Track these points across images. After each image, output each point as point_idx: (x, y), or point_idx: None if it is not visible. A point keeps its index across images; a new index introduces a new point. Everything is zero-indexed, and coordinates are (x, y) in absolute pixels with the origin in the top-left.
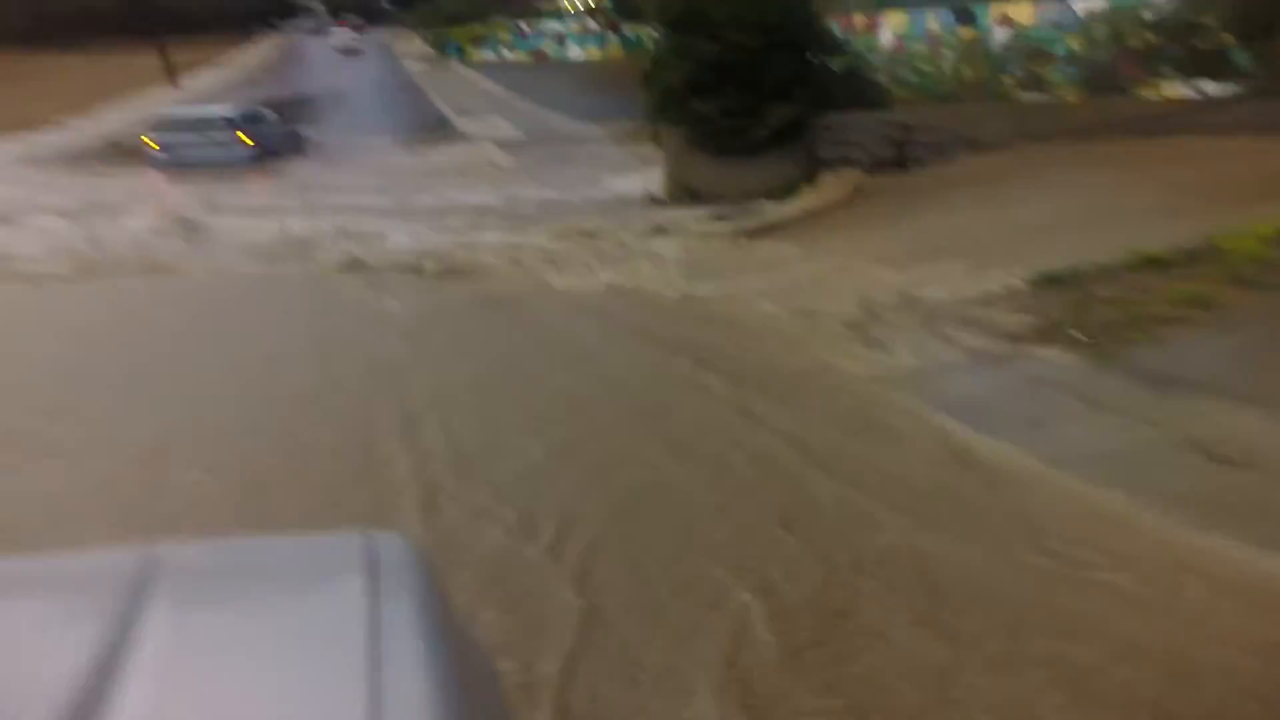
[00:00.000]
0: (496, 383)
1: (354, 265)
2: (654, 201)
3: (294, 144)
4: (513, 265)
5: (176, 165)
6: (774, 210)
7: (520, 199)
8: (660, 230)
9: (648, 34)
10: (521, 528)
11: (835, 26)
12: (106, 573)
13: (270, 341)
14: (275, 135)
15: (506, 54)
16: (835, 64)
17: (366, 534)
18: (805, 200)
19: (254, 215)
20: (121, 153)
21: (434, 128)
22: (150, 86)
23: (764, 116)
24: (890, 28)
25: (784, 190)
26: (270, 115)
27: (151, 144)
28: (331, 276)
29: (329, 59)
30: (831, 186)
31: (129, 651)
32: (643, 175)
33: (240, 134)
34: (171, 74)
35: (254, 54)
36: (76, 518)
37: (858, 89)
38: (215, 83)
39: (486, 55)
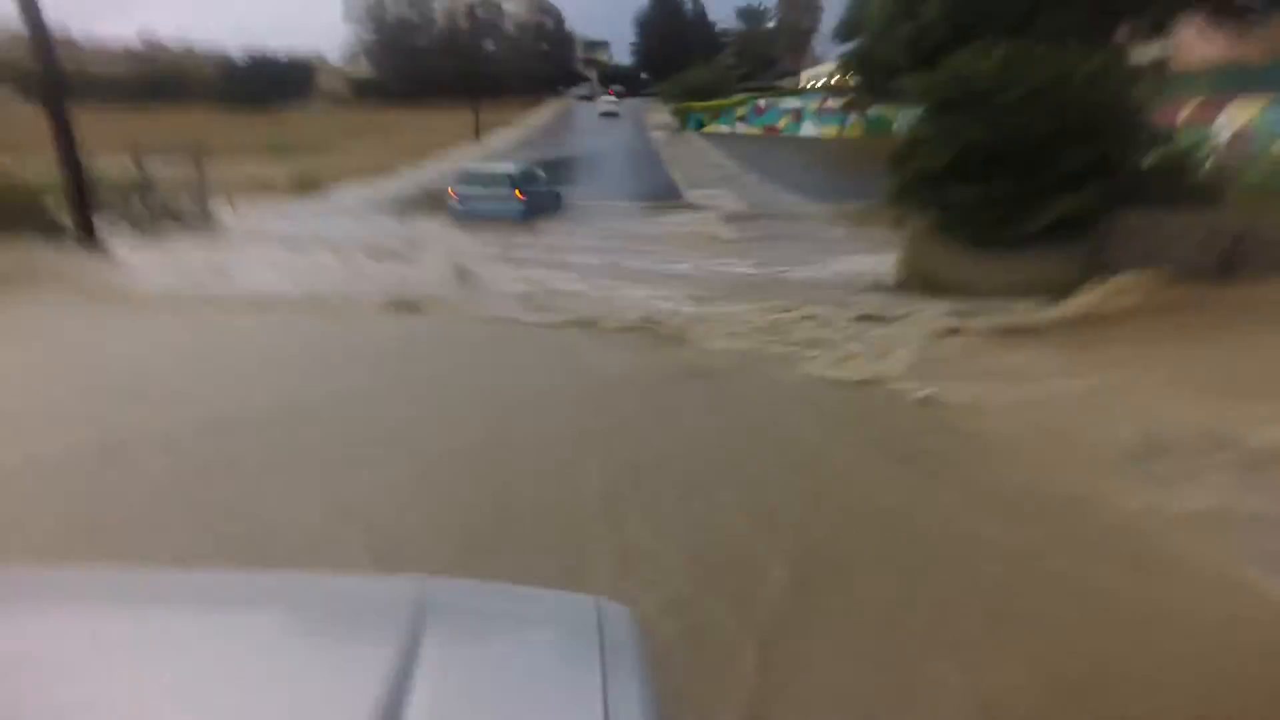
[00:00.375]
0: (706, 470)
1: (583, 323)
2: (882, 289)
3: (554, 203)
4: (726, 338)
5: (467, 215)
6: (1034, 312)
7: (738, 273)
8: (886, 319)
9: (894, 114)
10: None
11: (1152, 117)
12: (392, 600)
13: (504, 386)
14: (542, 194)
15: (741, 128)
16: (1148, 157)
17: (599, 600)
18: (1078, 304)
19: (514, 265)
20: (431, 200)
21: (666, 195)
22: (462, 141)
23: (1040, 208)
24: (1236, 116)
25: (1052, 291)
26: (541, 174)
27: (451, 194)
28: (561, 330)
29: (592, 124)
30: (1118, 292)
31: (412, 681)
32: (872, 260)
33: (517, 191)
34: (478, 132)
35: (538, 116)
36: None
37: (1175, 184)
38: (505, 142)
39: (722, 128)
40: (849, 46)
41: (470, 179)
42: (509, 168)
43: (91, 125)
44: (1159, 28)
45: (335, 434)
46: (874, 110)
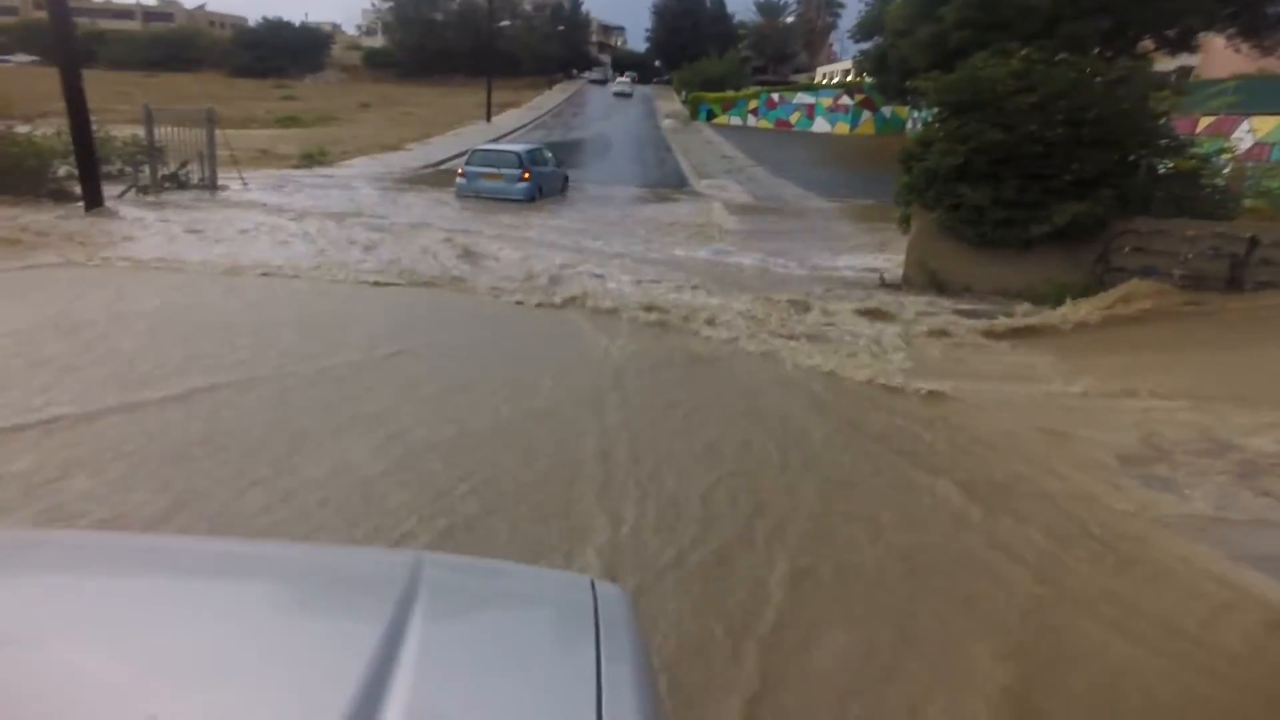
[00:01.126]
0: (706, 451)
1: (581, 304)
2: (886, 285)
3: (560, 184)
4: (725, 327)
5: (473, 193)
6: (1039, 314)
7: (741, 264)
8: (888, 315)
9: (907, 114)
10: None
11: (1172, 125)
12: (385, 573)
13: (511, 361)
14: (549, 175)
15: (752, 121)
16: (1163, 165)
17: (594, 580)
18: (1080, 308)
19: (516, 246)
20: (439, 176)
21: (673, 183)
22: (472, 120)
23: (1050, 211)
24: (1258, 127)
25: (1054, 294)
26: (549, 156)
27: (459, 173)
28: (562, 311)
29: (603, 109)
30: (1124, 297)
31: (399, 653)
32: (876, 257)
33: (525, 172)
34: (489, 111)
35: (549, 98)
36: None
37: (1189, 193)
38: (514, 121)
39: (733, 120)
40: (866, 45)
41: (479, 158)
42: (517, 148)
43: (104, 89)
44: (1184, 39)
45: (383, 381)
46: (887, 109)
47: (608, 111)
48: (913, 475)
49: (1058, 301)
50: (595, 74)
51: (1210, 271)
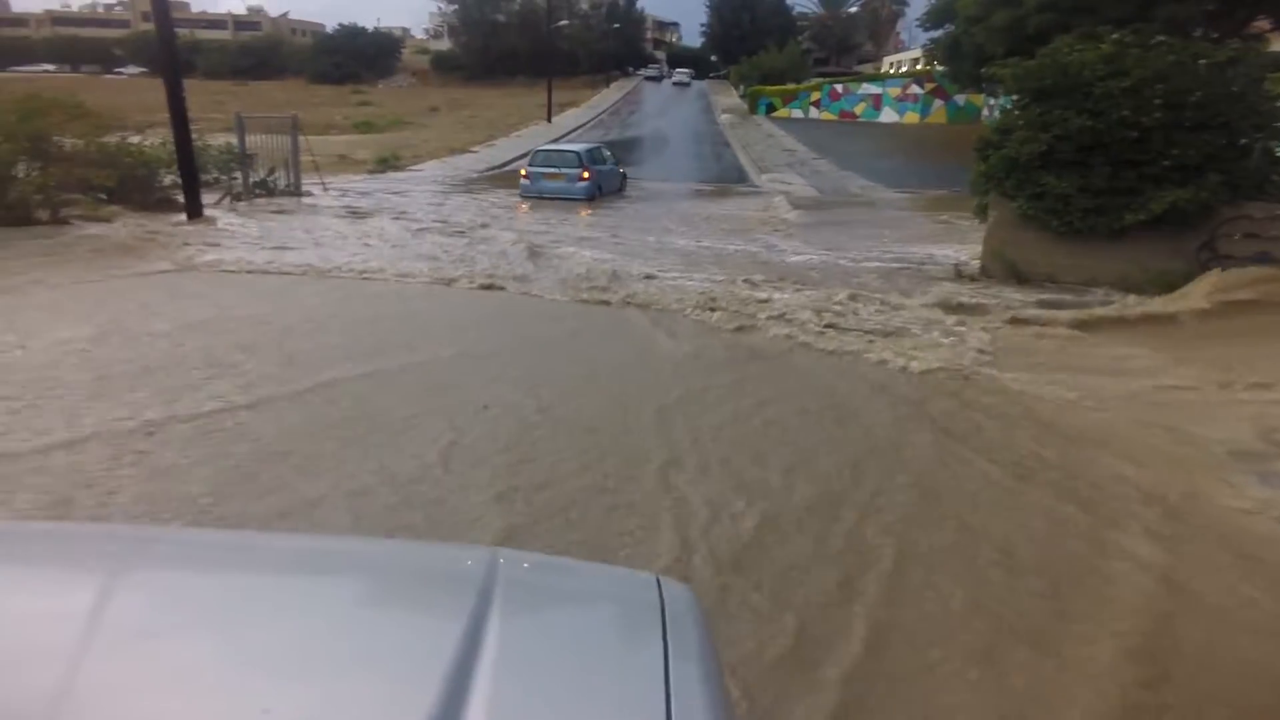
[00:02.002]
0: (752, 448)
1: (644, 305)
2: (962, 276)
3: (618, 182)
4: (785, 323)
5: (536, 194)
6: (1133, 305)
7: (804, 259)
8: (968, 307)
9: (982, 101)
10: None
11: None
12: (465, 569)
13: (577, 360)
14: (607, 173)
15: (815, 113)
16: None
17: (660, 578)
18: (1184, 298)
19: (578, 245)
20: (504, 178)
21: (732, 179)
22: (534, 121)
23: (1147, 198)
24: None
25: (1153, 284)
26: (607, 154)
27: (522, 173)
28: (621, 309)
29: (659, 106)
30: (1229, 287)
31: (480, 650)
32: (952, 248)
33: (585, 171)
34: (549, 112)
35: (606, 97)
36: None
37: None
38: (573, 120)
39: (794, 113)
40: (937, 33)
41: (541, 159)
42: (577, 148)
43: (202, 98)
44: None
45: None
46: (960, 97)
47: (664, 108)
48: (999, 476)
49: (1156, 291)
50: (651, 70)
51: None
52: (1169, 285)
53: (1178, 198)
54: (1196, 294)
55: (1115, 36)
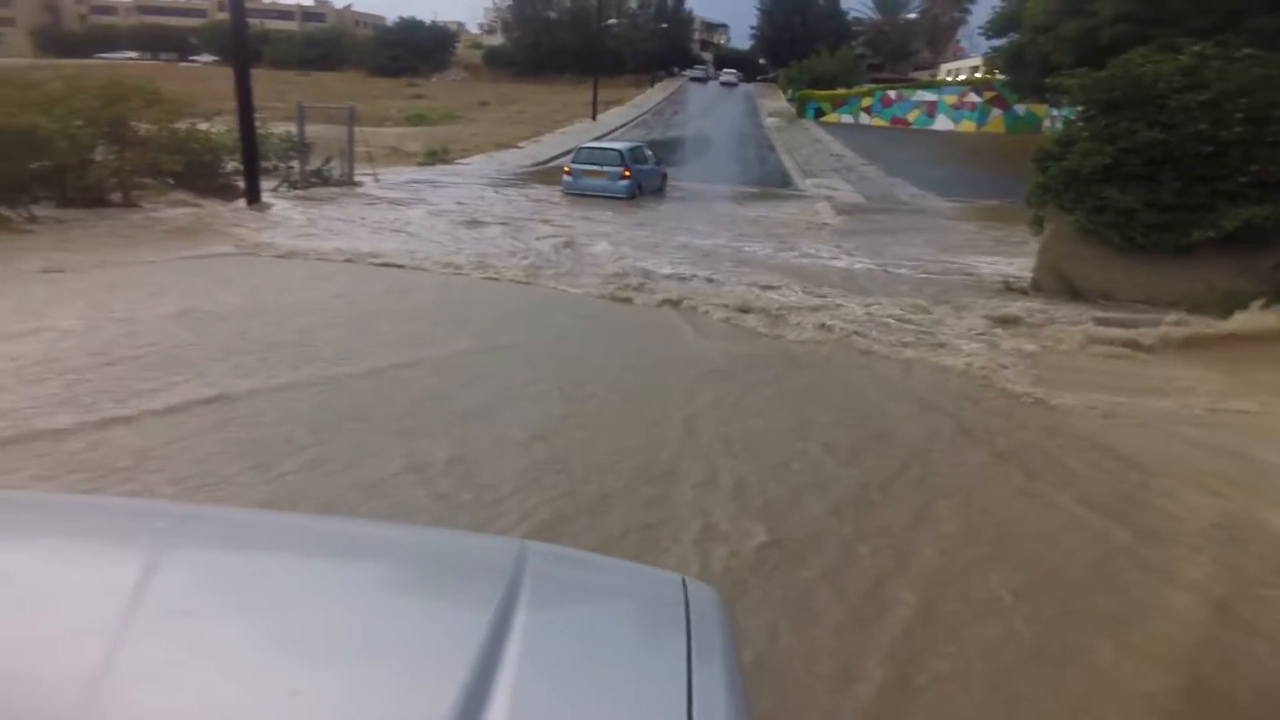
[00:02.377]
0: (777, 454)
1: (676, 304)
2: (1012, 290)
3: (658, 182)
4: (823, 330)
5: (578, 191)
6: (1197, 324)
7: (846, 266)
8: (1018, 322)
9: (1044, 111)
10: None
11: None
12: (494, 559)
13: (607, 359)
14: (648, 173)
15: (865, 119)
16: None
17: (685, 579)
18: (1253, 320)
19: (612, 242)
20: (548, 173)
21: (776, 183)
22: (579, 119)
23: (1218, 214)
24: None
25: (1217, 303)
26: (649, 154)
27: (565, 170)
28: (659, 311)
29: (704, 107)
30: None
31: (506, 641)
32: (1004, 261)
33: (626, 169)
34: (595, 110)
35: (651, 96)
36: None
37: None
38: (618, 119)
39: (844, 118)
40: (1000, 41)
41: (584, 155)
42: (620, 146)
43: (267, 88)
44: None
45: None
46: (1021, 107)
47: (708, 109)
48: (1056, 498)
49: (1224, 311)
50: (697, 71)
51: None
52: (1236, 305)
53: (1254, 214)
54: (1267, 316)
55: (1196, 49)
